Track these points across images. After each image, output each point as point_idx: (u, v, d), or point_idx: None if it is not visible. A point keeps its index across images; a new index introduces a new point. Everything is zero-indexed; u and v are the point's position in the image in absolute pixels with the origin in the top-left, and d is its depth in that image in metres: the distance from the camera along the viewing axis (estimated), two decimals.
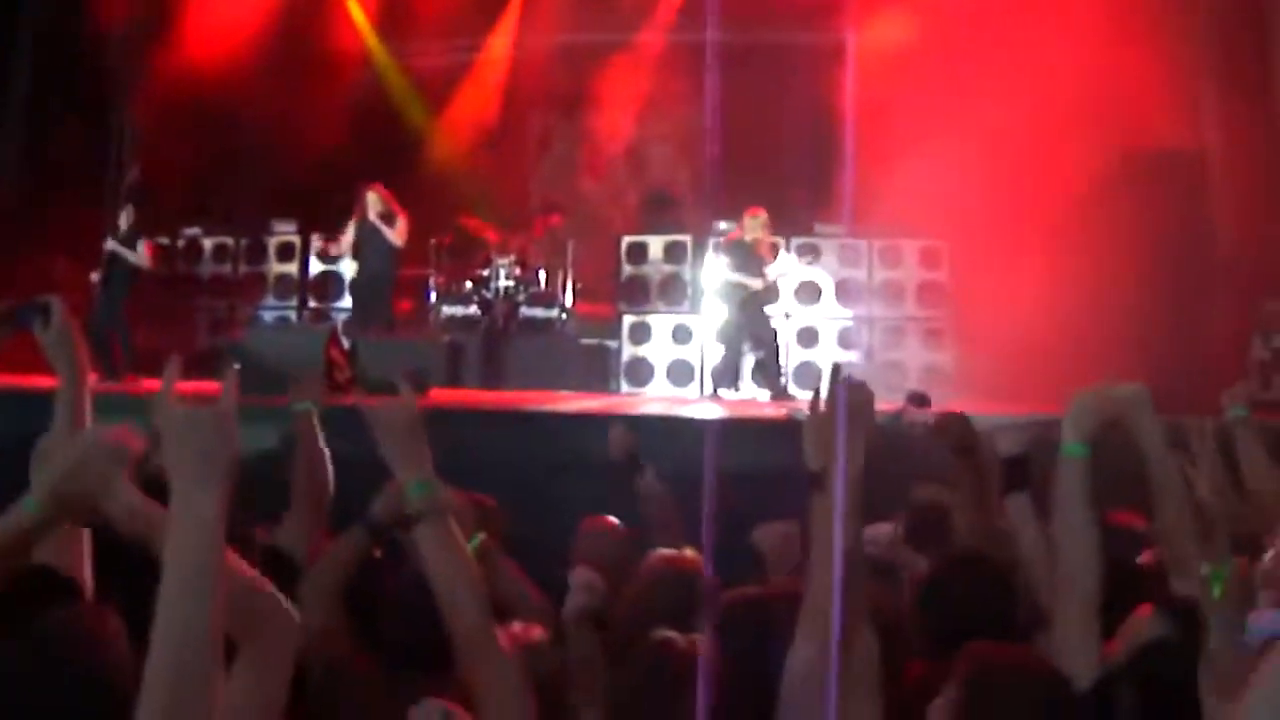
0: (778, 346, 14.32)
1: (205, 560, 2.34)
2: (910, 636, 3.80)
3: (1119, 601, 3.50)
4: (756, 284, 13.97)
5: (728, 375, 14.22)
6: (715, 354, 14.52)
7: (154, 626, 2.29)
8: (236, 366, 2.53)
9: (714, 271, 14.67)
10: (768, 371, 14.23)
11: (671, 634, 3.45)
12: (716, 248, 14.74)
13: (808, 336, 15.31)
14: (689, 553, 4.50)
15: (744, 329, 14.13)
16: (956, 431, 4.86)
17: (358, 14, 19.41)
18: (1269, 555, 4.60)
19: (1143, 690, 3.04)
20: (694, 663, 3.14)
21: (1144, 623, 3.37)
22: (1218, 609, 2.92)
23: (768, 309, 14.29)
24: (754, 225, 14.07)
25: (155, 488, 2.78)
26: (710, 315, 14.89)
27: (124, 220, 14.28)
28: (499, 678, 3.20)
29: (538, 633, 4.00)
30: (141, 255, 14.16)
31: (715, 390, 14.20)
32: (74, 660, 2.55)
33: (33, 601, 2.75)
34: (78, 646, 2.58)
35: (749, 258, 14.02)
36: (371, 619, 3.98)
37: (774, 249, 14.43)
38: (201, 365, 14.62)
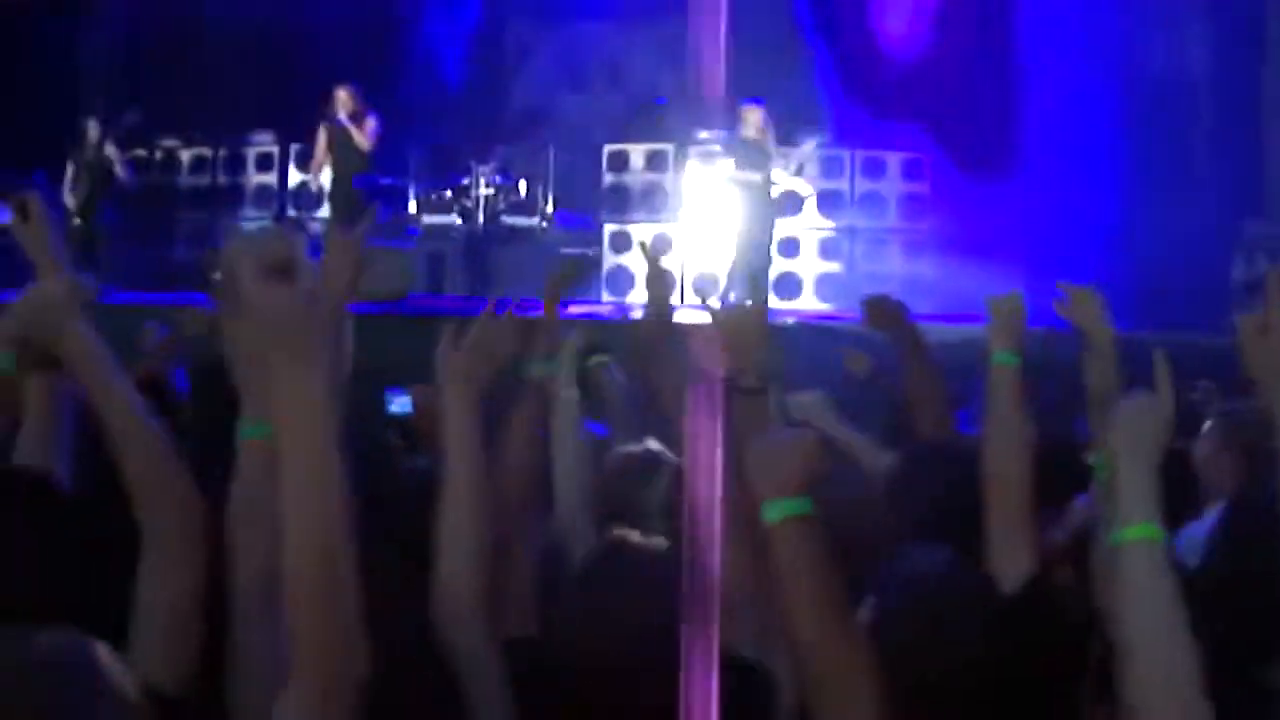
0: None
1: (322, 442, 2.27)
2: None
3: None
4: (757, 179, 13.82)
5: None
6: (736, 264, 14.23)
7: (286, 522, 2.25)
8: (297, 240, 2.34)
9: (720, 175, 14.47)
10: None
11: (629, 531, 3.41)
12: (722, 148, 14.53)
13: (788, 247, 15.21)
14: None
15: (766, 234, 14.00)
16: (887, 313, 4.84)
17: None
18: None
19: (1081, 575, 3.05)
20: (654, 562, 3.07)
21: (1077, 510, 3.43)
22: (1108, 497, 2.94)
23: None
24: (753, 119, 13.88)
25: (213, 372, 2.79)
26: (697, 224, 14.84)
27: (98, 133, 14.39)
28: None
29: None
30: (117, 164, 14.34)
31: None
32: None
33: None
34: None
35: (753, 155, 13.87)
36: None
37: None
38: (181, 279, 14.84)
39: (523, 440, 3.53)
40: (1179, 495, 2.48)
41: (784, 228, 15.03)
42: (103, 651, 2.09)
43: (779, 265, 14.83)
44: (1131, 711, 2.40)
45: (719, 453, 2.63)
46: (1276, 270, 3.01)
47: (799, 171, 14.53)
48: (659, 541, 3.14)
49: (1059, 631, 2.99)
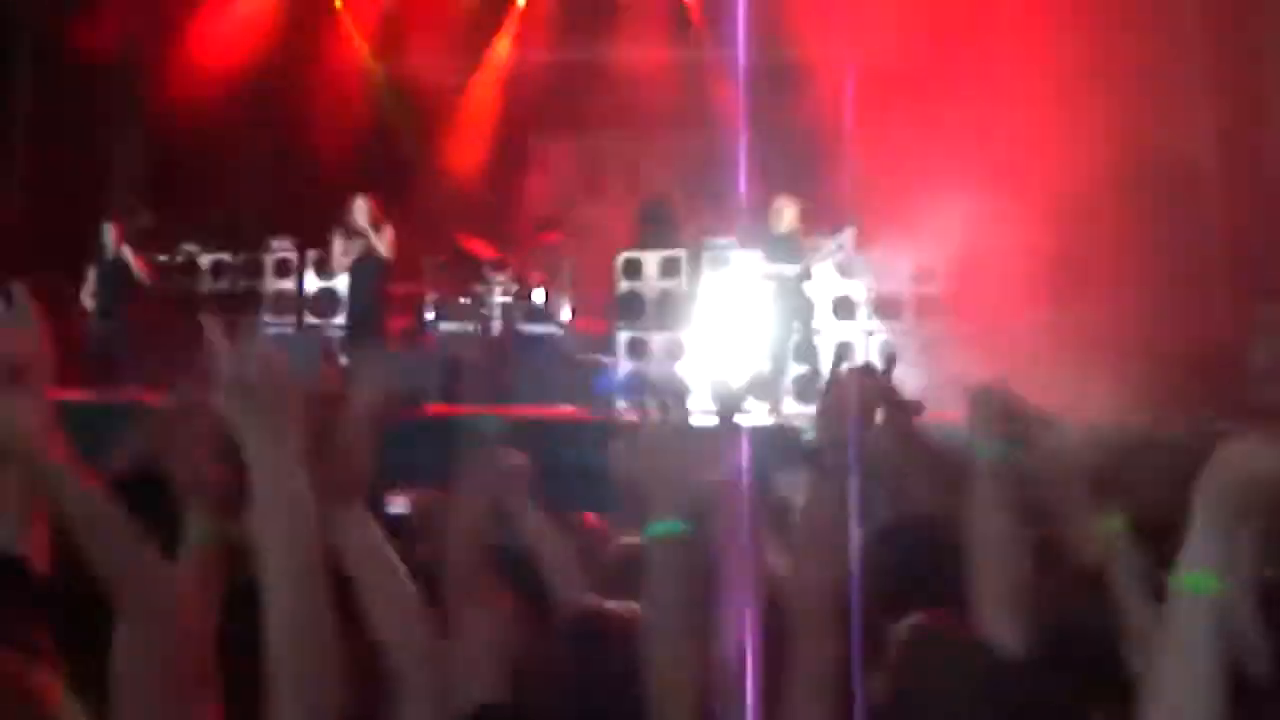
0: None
1: (287, 496, 2.43)
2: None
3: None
4: (790, 273, 13.55)
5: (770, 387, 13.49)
6: (757, 365, 13.72)
7: (266, 592, 2.38)
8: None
9: (746, 269, 14.32)
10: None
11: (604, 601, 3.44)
12: (753, 242, 14.37)
13: (845, 350, 14.78)
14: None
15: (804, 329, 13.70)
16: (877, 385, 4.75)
17: (354, 32, 19.60)
18: None
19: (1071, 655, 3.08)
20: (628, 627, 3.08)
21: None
22: (1120, 567, 2.97)
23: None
24: (790, 214, 13.64)
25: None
26: (714, 329, 14.84)
27: (116, 237, 14.62)
28: None
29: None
30: (135, 267, 14.54)
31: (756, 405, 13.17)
32: None
33: None
34: None
35: (789, 249, 13.60)
36: None
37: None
38: (200, 384, 14.71)
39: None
40: None
41: (837, 332, 15.00)
42: None
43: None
44: None
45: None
46: None
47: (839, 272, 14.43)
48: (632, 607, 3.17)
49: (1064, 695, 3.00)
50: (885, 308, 15.37)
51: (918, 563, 3.72)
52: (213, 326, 2.61)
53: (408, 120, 19.21)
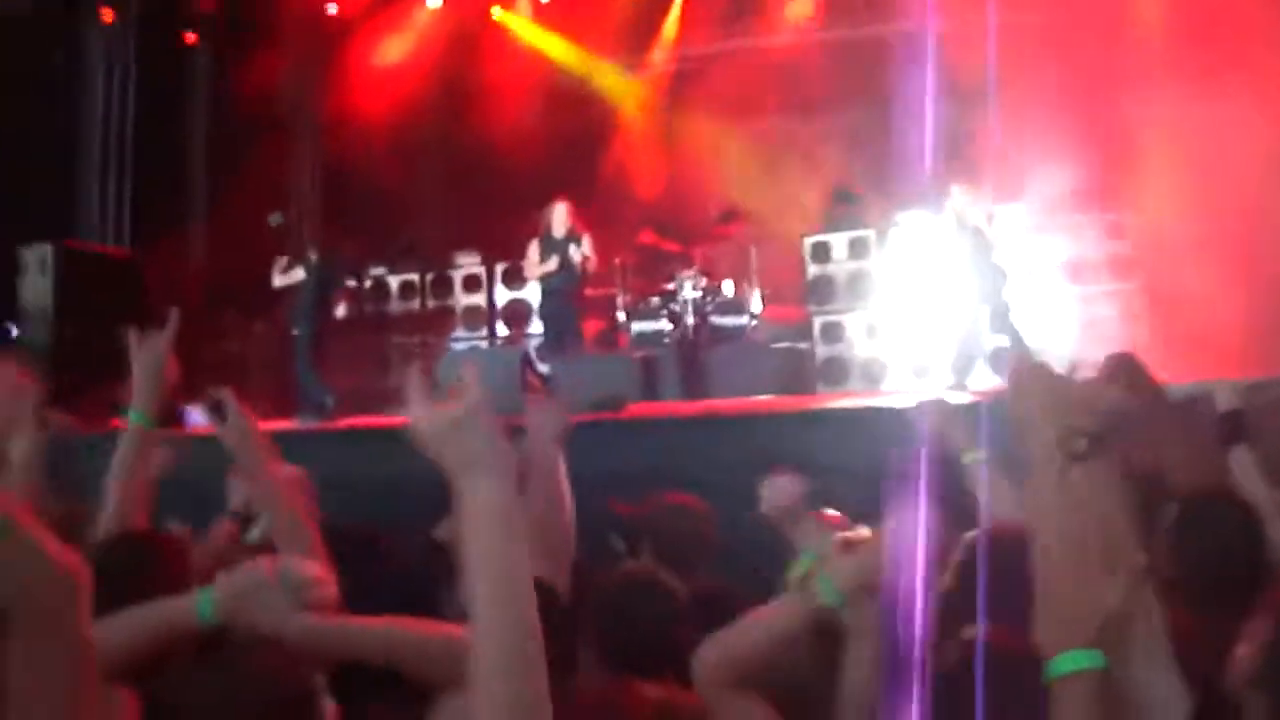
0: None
1: (502, 544, 2.32)
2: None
3: None
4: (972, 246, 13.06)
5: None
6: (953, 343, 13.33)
7: (473, 622, 2.28)
8: (472, 371, 2.48)
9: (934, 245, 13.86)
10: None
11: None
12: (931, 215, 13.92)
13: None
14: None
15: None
16: (1126, 371, 4.60)
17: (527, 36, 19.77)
18: None
19: None
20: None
21: None
22: None
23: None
24: (960, 195, 13.10)
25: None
26: (904, 307, 14.65)
27: (309, 271, 14.43)
28: None
29: None
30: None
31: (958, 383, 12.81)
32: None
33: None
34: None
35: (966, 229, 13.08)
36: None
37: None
38: (395, 401, 14.66)
39: None
40: None
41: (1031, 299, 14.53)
42: None
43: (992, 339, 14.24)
44: None
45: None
46: None
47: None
48: None
49: None
50: (1078, 272, 15.02)
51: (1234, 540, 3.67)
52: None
53: (581, 123, 19.24)
